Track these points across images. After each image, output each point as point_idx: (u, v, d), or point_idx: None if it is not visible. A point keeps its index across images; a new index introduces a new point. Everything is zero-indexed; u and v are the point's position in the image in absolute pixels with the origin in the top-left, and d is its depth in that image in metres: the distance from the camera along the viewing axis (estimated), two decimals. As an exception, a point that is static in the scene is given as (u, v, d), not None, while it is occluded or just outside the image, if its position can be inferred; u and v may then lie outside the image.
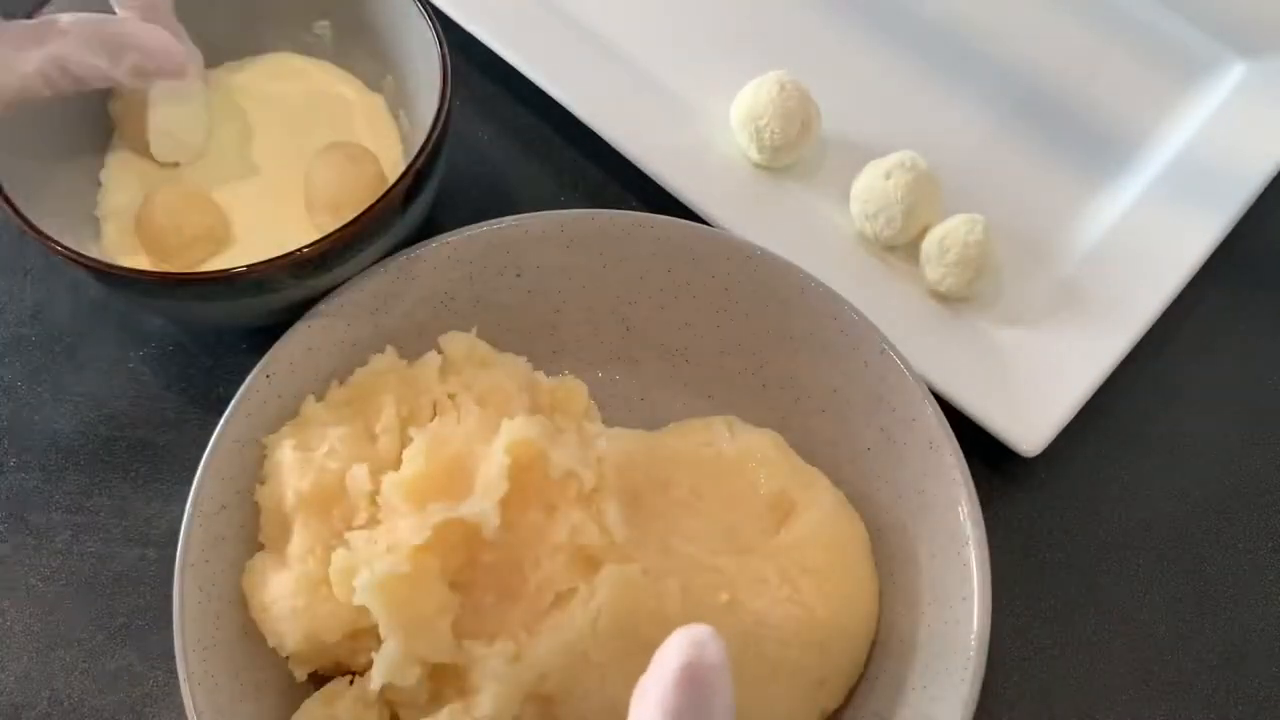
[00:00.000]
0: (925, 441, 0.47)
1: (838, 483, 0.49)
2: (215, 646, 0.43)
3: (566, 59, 0.63)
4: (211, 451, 0.46)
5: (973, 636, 0.43)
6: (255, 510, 0.47)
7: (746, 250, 0.51)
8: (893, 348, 0.48)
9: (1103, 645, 0.51)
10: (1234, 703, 0.50)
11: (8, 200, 0.47)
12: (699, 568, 0.45)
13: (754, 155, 0.60)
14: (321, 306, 0.49)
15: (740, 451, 0.49)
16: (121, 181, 0.54)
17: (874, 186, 0.57)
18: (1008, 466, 0.54)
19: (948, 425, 0.47)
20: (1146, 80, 0.65)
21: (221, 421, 0.46)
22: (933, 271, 0.56)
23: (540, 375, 0.51)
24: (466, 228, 0.51)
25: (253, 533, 0.47)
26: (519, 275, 0.52)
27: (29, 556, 0.52)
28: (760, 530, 0.48)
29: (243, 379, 0.47)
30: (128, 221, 0.53)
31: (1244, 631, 0.52)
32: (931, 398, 0.47)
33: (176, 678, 0.47)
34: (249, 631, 0.45)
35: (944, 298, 0.57)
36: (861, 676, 0.47)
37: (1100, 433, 0.56)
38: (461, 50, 0.64)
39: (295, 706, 0.44)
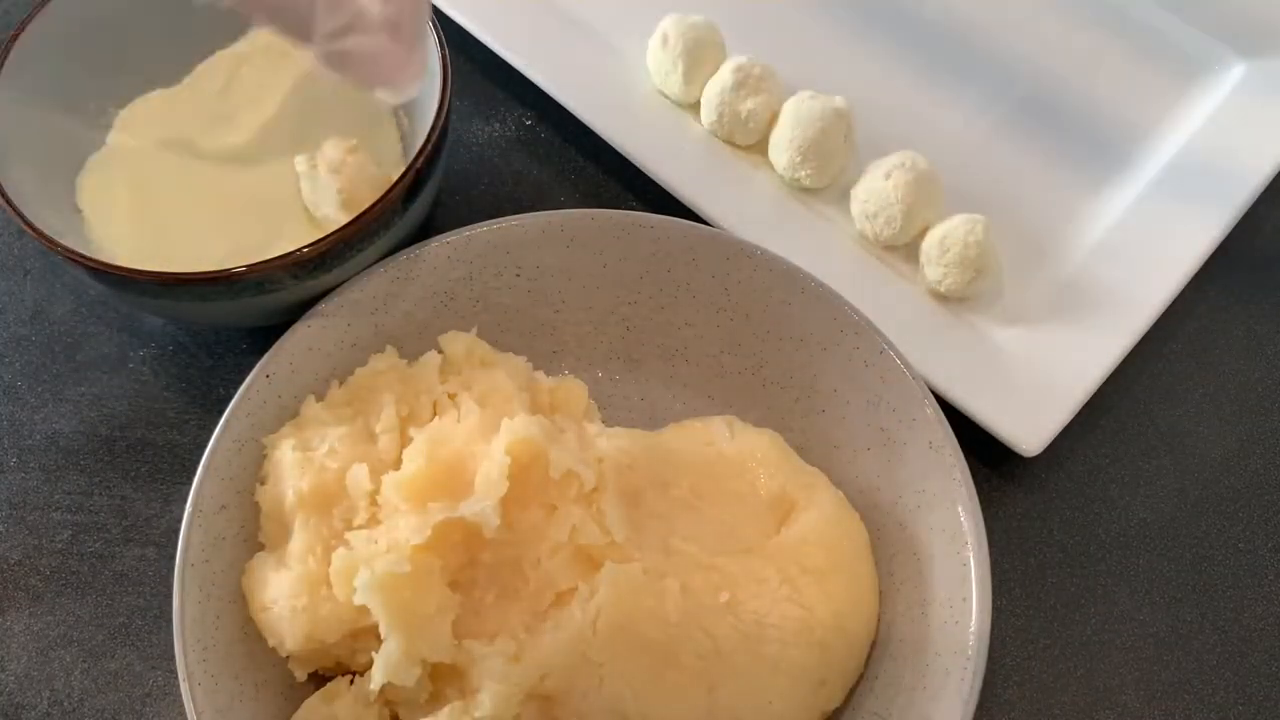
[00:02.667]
0: (925, 441, 0.47)
1: (838, 483, 0.49)
2: (215, 646, 0.43)
3: (566, 59, 0.63)
4: (211, 451, 0.46)
5: (972, 636, 0.43)
6: (255, 510, 0.47)
7: (746, 250, 0.51)
8: (893, 347, 0.48)
9: (1103, 645, 0.51)
10: (1234, 703, 0.50)
11: (8, 201, 0.47)
12: (699, 567, 0.45)
13: (787, 177, 0.59)
14: (321, 306, 0.49)
15: (740, 451, 0.49)
16: (105, 173, 0.54)
17: (874, 186, 0.57)
18: (1008, 466, 0.54)
19: (948, 425, 0.47)
20: (1146, 80, 0.65)
21: (221, 421, 0.46)
22: (933, 271, 0.56)
23: (540, 375, 0.51)
24: (466, 228, 0.51)
25: (253, 533, 0.47)
26: (519, 275, 0.52)
27: (29, 556, 0.52)
28: (760, 530, 0.48)
29: (243, 379, 0.47)
30: (108, 211, 0.53)
31: (1244, 631, 0.52)
32: (931, 397, 0.47)
33: (176, 678, 0.47)
34: (249, 631, 0.45)
35: (944, 298, 0.57)
36: (861, 676, 0.47)
37: (1100, 433, 0.56)
38: (462, 50, 0.64)
39: (295, 706, 0.44)
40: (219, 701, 0.42)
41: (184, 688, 0.42)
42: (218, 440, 0.46)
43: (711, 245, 0.51)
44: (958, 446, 0.46)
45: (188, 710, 0.42)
